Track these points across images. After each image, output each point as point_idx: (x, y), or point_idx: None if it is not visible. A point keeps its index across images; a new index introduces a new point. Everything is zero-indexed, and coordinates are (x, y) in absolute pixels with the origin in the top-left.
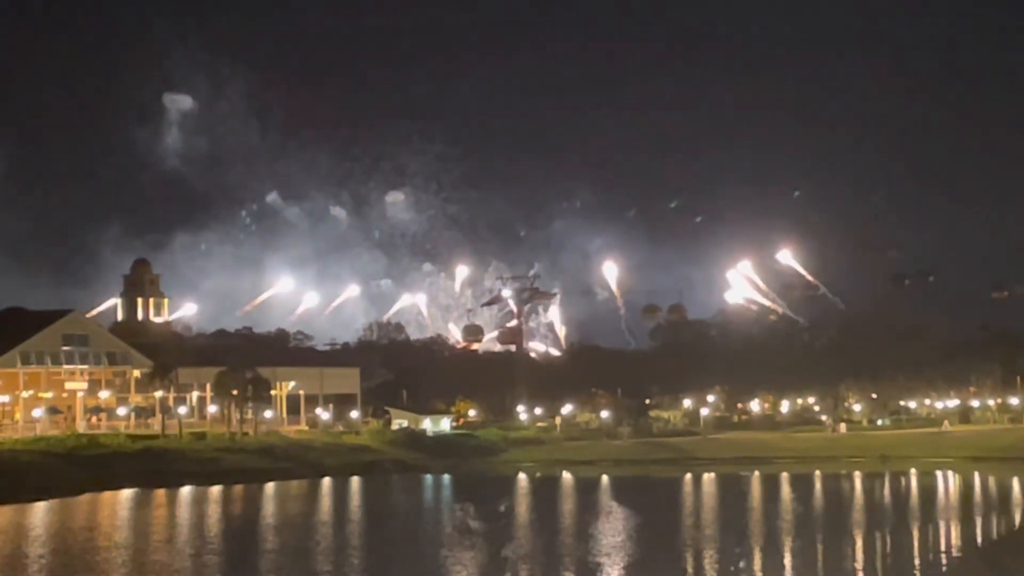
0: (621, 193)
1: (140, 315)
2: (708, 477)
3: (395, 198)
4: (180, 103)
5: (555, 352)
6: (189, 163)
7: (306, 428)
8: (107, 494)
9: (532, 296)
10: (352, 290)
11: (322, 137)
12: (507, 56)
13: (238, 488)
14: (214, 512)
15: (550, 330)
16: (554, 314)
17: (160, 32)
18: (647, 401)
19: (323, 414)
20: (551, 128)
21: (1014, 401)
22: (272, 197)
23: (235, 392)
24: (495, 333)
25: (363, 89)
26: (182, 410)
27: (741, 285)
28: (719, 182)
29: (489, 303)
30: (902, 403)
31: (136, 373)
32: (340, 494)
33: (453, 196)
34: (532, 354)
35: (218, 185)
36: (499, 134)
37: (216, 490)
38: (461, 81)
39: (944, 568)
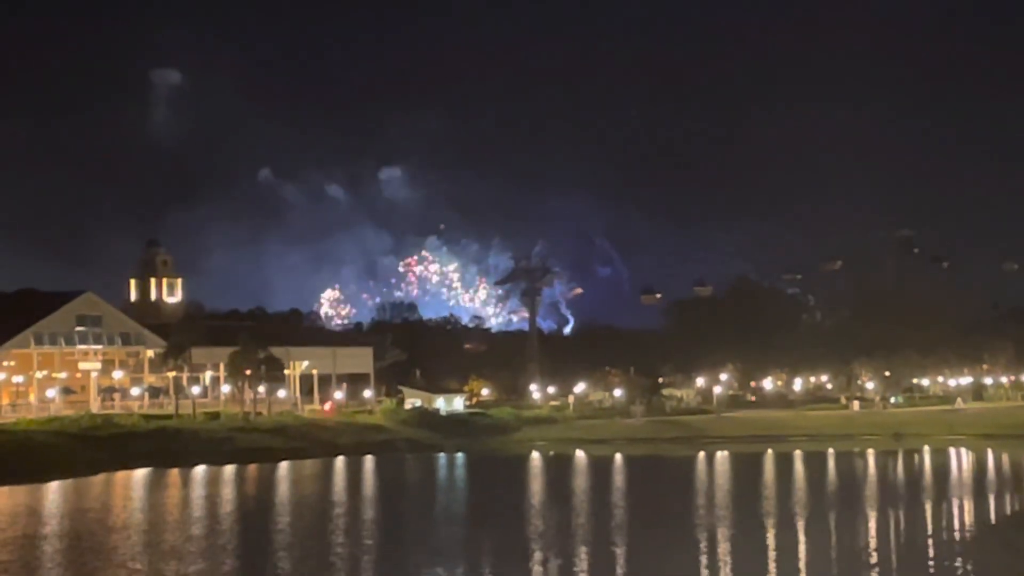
0: (621, 172)
1: (153, 295)
2: (721, 455)
3: (390, 175)
4: (169, 78)
5: (561, 331)
6: (180, 140)
7: (319, 407)
8: (121, 474)
9: (543, 275)
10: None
11: (314, 113)
12: (505, 36)
13: (252, 468)
14: (228, 492)
15: (555, 309)
16: (559, 293)
17: (151, 7)
18: (660, 380)
19: (336, 393)
20: (548, 106)
21: None
22: (264, 174)
23: (248, 372)
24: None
25: (356, 66)
26: (195, 390)
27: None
28: (722, 164)
29: (502, 281)
30: (915, 381)
31: (149, 353)
32: (354, 473)
33: (449, 173)
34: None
35: (211, 162)
36: (496, 111)
37: (229, 470)
38: (457, 60)
39: (957, 545)
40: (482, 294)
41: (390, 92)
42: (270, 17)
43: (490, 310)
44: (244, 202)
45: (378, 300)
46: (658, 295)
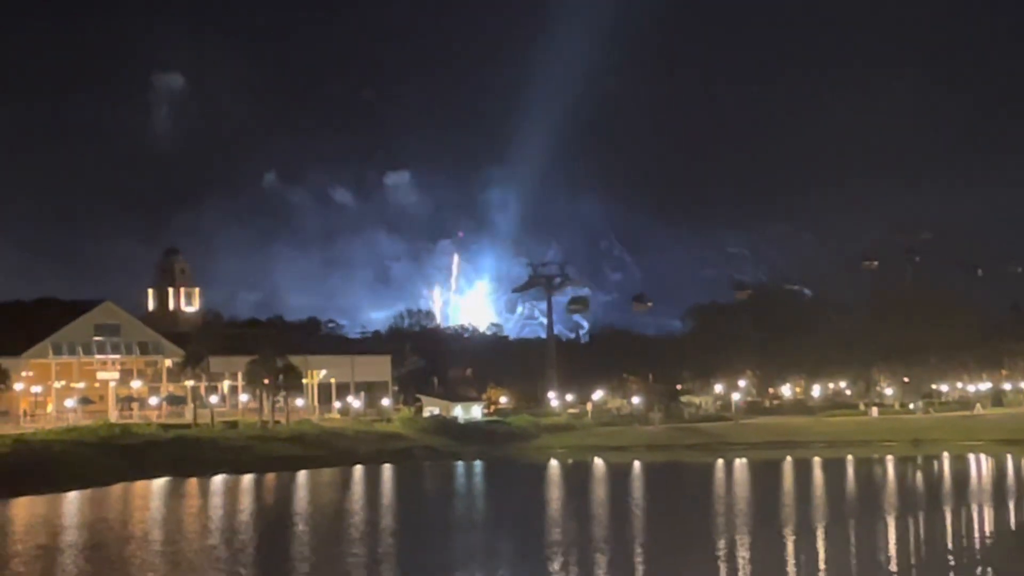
0: (633, 176)
1: (171, 304)
2: (740, 462)
3: (397, 179)
4: (171, 82)
5: (578, 338)
6: (184, 145)
7: (338, 416)
8: (140, 483)
9: (563, 282)
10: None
11: (317, 116)
12: (512, 36)
13: (270, 477)
14: (246, 501)
15: (567, 315)
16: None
17: (151, 11)
18: (678, 386)
19: (354, 402)
20: (557, 107)
21: None
22: (269, 178)
23: (267, 381)
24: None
25: (359, 68)
26: (214, 399)
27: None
28: (738, 166)
29: (521, 288)
30: (934, 386)
31: (168, 362)
32: (372, 482)
33: (456, 177)
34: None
35: (216, 167)
36: (502, 112)
37: (248, 479)
38: (462, 60)
39: (978, 552)
40: (499, 301)
41: (394, 94)
42: (271, 19)
43: (505, 317)
44: (250, 207)
45: (401, 308)
46: (649, 303)
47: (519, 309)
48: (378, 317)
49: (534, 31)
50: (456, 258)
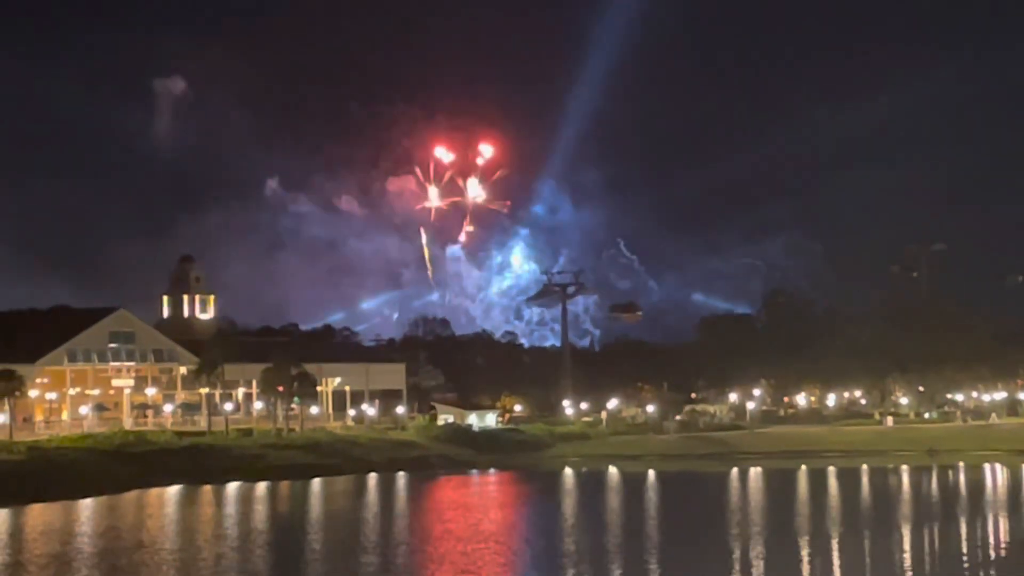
0: (643, 182)
1: (186, 312)
2: (755, 472)
3: (400, 185)
4: (172, 87)
5: (592, 346)
6: (192, 152)
7: (352, 424)
8: (154, 491)
9: (578, 291)
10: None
11: (320, 122)
12: (518, 40)
13: (284, 484)
14: (259, 509)
15: (576, 323)
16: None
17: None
18: (693, 395)
19: (369, 410)
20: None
21: None
22: (272, 185)
23: (281, 388)
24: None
25: (360, 73)
26: (228, 407)
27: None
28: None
29: (535, 297)
30: (949, 396)
31: (182, 370)
32: (386, 490)
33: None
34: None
35: (224, 174)
36: (505, 118)
37: (262, 486)
38: (466, 65)
39: (992, 562)
40: (509, 308)
41: (396, 99)
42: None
43: (513, 324)
44: (259, 214)
45: (410, 315)
46: (639, 312)
47: (526, 316)
48: (390, 324)
49: (538, 38)
50: (463, 264)
